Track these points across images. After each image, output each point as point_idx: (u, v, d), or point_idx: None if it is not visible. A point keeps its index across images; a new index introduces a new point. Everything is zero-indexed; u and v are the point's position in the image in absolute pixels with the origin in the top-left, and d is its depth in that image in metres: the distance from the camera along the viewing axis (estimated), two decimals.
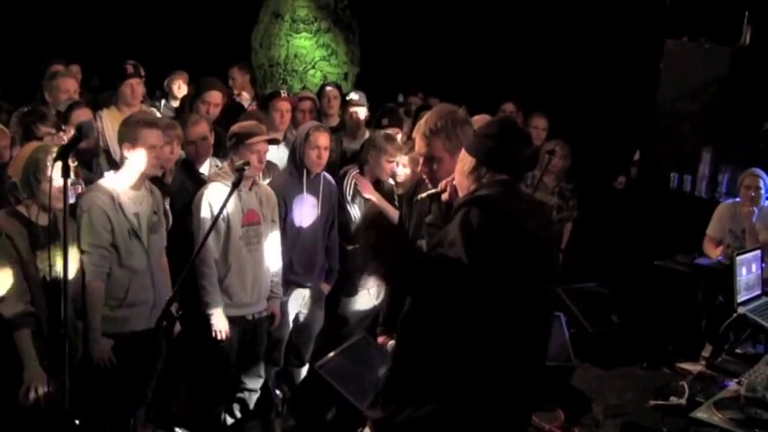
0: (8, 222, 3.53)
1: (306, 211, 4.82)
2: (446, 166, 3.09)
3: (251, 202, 4.44)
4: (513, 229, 2.62)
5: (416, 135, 3.23)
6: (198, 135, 4.79)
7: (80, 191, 4.03)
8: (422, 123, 3.21)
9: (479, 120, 5.95)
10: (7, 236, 3.47)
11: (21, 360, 3.52)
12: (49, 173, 3.48)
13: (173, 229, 4.33)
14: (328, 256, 5.03)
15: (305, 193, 4.80)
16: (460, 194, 2.86)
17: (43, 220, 3.60)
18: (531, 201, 3.01)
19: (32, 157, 3.54)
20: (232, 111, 6.09)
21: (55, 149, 3.56)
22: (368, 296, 5.21)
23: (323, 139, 4.76)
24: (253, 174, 4.37)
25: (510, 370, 2.65)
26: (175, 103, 6.62)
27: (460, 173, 2.84)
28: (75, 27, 8.13)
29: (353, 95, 6.29)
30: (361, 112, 6.14)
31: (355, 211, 5.13)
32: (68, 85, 5.37)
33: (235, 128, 4.45)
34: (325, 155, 4.83)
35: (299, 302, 4.94)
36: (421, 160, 3.27)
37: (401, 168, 5.16)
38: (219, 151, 5.21)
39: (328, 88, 6.65)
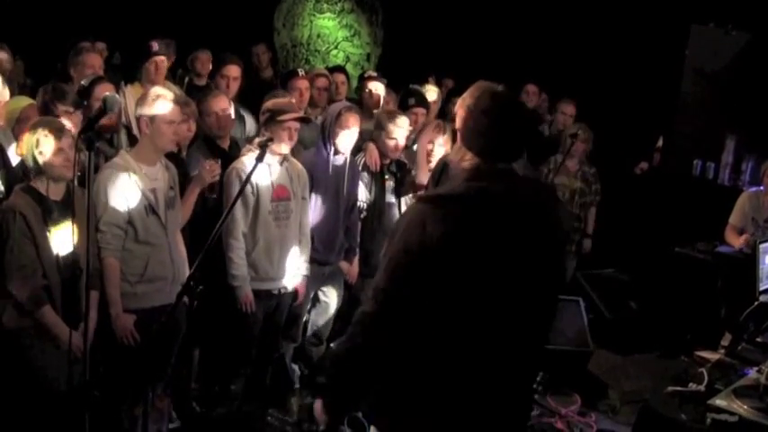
0: (22, 199, 3.52)
1: (330, 190, 4.84)
2: None
3: (282, 177, 4.46)
4: (469, 230, 2.33)
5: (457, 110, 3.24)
6: (219, 107, 4.78)
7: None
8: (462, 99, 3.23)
9: None
10: (20, 213, 3.46)
11: (53, 334, 3.56)
12: (49, 147, 3.48)
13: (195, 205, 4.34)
14: (348, 236, 5.05)
15: (330, 171, 4.82)
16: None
17: (56, 194, 3.60)
18: (519, 185, 2.50)
19: (32, 133, 3.53)
20: (256, 88, 6.09)
21: (54, 125, 3.58)
22: None
23: (354, 121, 4.77)
24: (283, 150, 4.40)
25: (492, 360, 2.41)
26: (200, 81, 6.63)
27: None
28: (98, 4, 8.13)
29: (371, 72, 6.24)
30: (380, 89, 6.08)
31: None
32: (93, 60, 5.37)
33: (268, 104, 4.46)
34: (355, 136, 4.85)
35: (318, 280, 4.96)
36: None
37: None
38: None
39: (335, 73, 6.54)
